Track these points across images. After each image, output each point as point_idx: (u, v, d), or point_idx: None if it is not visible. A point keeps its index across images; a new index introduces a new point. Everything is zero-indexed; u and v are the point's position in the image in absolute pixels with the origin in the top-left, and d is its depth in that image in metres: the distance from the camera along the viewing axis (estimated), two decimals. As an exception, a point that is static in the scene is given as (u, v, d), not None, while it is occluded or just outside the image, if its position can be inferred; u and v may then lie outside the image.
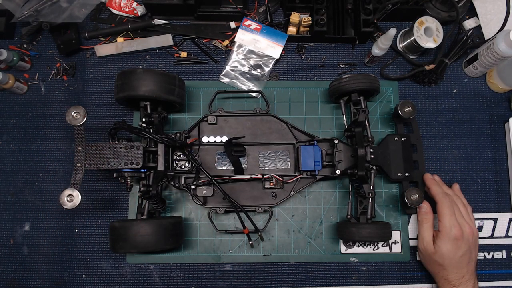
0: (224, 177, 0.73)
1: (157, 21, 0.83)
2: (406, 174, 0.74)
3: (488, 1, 0.85)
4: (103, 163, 0.67)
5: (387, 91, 0.82)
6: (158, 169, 0.69)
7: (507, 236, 0.78)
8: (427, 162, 0.80)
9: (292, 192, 0.75)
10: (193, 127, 0.77)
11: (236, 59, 0.82)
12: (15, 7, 0.77)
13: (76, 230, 0.76)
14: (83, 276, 0.75)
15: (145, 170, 0.70)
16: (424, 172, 0.76)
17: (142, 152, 0.68)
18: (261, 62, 0.82)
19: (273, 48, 0.82)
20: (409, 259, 0.76)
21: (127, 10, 0.83)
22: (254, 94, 0.81)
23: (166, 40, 0.82)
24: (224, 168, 0.76)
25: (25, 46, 0.83)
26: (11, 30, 0.83)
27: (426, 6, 0.83)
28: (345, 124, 0.77)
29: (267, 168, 0.77)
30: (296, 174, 0.76)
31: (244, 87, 0.81)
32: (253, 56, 0.82)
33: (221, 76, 0.82)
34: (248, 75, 0.82)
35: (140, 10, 0.83)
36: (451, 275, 0.67)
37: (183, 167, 0.73)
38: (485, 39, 0.84)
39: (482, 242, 0.78)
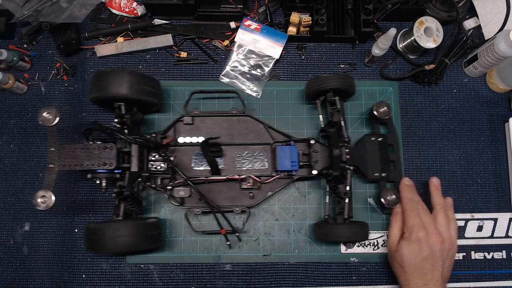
0: (200, 178, 0.73)
1: (157, 21, 0.83)
2: (383, 174, 0.74)
3: (488, 1, 0.85)
4: (76, 164, 0.66)
5: (387, 91, 0.82)
6: (131, 170, 0.69)
7: (507, 236, 0.78)
8: (427, 162, 0.80)
9: (269, 193, 0.75)
10: (169, 128, 0.76)
11: (236, 59, 0.82)
12: (15, 7, 0.77)
13: (76, 230, 0.76)
14: (83, 276, 0.75)
15: (120, 171, 0.70)
16: (401, 172, 0.76)
17: (115, 153, 0.67)
18: (261, 62, 0.82)
19: (273, 48, 0.82)
20: (409, 259, 0.76)
21: (127, 10, 0.83)
22: (254, 94, 0.81)
23: (166, 40, 0.82)
24: (201, 168, 0.76)
25: (25, 46, 0.83)
26: (11, 30, 0.83)
27: (426, 6, 0.83)
28: (322, 124, 0.76)
29: (244, 168, 0.76)
30: (273, 174, 0.75)
31: (244, 87, 0.81)
32: (253, 56, 0.82)
33: (221, 76, 0.82)
34: (248, 75, 0.82)
35: (140, 10, 0.83)
36: (412, 281, 0.64)
37: (158, 167, 0.73)
38: (485, 39, 0.84)
39: (482, 242, 0.78)
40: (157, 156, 0.73)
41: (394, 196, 0.71)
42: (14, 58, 0.78)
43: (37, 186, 0.78)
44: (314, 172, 0.73)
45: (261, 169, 0.76)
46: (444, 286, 0.66)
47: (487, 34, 0.84)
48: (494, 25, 0.84)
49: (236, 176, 0.73)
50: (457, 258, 0.77)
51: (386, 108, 0.74)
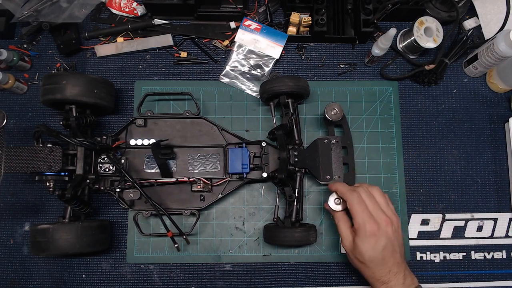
0: (149, 180, 0.73)
1: (157, 21, 0.83)
2: (335, 177, 0.73)
3: (488, 1, 0.85)
4: (22, 167, 0.67)
5: (387, 91, 0.82)
6: (77, 173, 0.69)
7: (507, 236, 0.78)
8: (427, 162, 0.80)
9: (220, 195, 0.74)
10: (122, 130, 0.76)
11: (236, 59, 0.82)
12: (15, 7, 0.77)
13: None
14: (83, 276, 0.75)
15: (66, 173, 0.70)
16: (354, 174, 0.76)
17: (60, 156, 0.68)
18: (261, 62, 0.82)
19: (273, 48, 0.82)
20: (409, 259, 0.76)
21: (127, 10, 0.83)
22: (254, 94, 0.81)
23: (166, 40, 0.82)
24: (153, 171, 0.75)
25: (25, 46, 0.83)
26: (11, 30, 0.83)
27: (426, 6, 0.83)
28: (275, 126, 0.76)
29: (197, 170, 0.75)
30: (225, 176, 0.75)
31: (244, 87, 0.81)
32: (253, 56, 0.82)
33: (221, 76, 0.82)
34: (248, 75, 0.82)
35: (140, 10, 0.83)
36: (376, 273, 0.63)
37: (107, 170, 0.73)
38: (485, 39, 0.84)
39: (482, 242, 0.78)
40: (106, 159, 0.72)
41: (336, 109, 0.70)
42: (14, 58, 0.78)
43: (37, 186, 0.78)
44: (264, 174, 0.73)
45: (214, 171, 0.75)
46: (403, 259, 0.65)
47: (487, 34, 0.84)
48: (494, 25, 0.84)
49: (186, 179, 0.73)
50: (457, 258, 0.77)
51: (336, 110, 0.74)
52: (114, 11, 0.83)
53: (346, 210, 0.70)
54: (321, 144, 0.74)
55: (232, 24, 0.83)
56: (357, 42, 0.84)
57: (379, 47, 0.76)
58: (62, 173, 0.70)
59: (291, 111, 0.74)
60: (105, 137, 0.73)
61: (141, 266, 0.76)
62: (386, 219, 0.63)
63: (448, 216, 0.78)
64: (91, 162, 0.72)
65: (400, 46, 0.84)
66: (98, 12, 0.84)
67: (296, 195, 0.71)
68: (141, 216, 0.75)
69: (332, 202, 0.69)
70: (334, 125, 0.78)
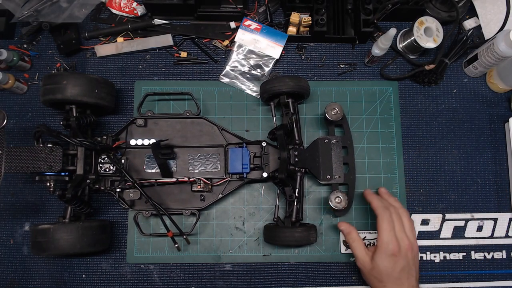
0: (149, 180, 0.73)
1: (157, 21, 0.83)
2: (335, 177, 0.73)
3: (488, 1, 0.85)
4: (22, 167, 0.67)
5: (387, 91, 0.82)
6: (77, 173, 0.69)
7: (507, 236, 0.78)
8: (427, 162, 0.80)
9: (220, 195, 0.74)
10: (122, 130, 0.76)
11: (236, 59, 0.82)
12: (15, 7, 0.77)
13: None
14: (83, 276, 0.75)
15: (67, 173, 0.70)
16: (354, 174, 0.76)
17: (61, 156, 0.68)
18: (261, 62, 0.82)
19: (273, 48, 0.82)
20: (409, 259, 0.76)
21: (127, 10, 0.83)
22: (254, 94, 0.81)
23: (166, 40, 0.82)
24: (153, 171, 0.75)
25: (25, 46, 0.83)
26: (11, 30, 0.83)
27: (426, 6, 0.83)
28: (275, 126, 0.76)
29: (197, 170, 0.75)
30: (225, 176, 0.75)
31: (244, 87, 0.81)
32: (253, 56, 0.82)
33: (221, 76, 0.82)
34: (248, 75, 0.82)
35: (140, 10, 0.83)
36: None
37: (107, 170, 0.73)
38: (485, 39, 0.84)
39: (482, 242, 0.78)
40: (106, 159, 0.72)
41: (341, 199, 0.70)
42: (14, 58, 0.78)
43: (37, 186, 0.78)
44: (265, 174, 0.73)
45: (214, 171, 0.75)
46: (418, 285, 0.66)
47: (487, 34, 0.84)
48: (494, 25, 0.84)
49: (186, 179, 0.73)
50: (457, 258, 0.77)
51: (337, 110, 0.74)
52: (114, 11, 0.83)
53: (345, 210, 0.70)
54: (321, 144, 0.74)
55: (232, 24, 0.83)
56: (357, 42, 0.84)
57: (379, 47, 0.76)
58: (63, 173, 0.70)
59: (292, 111, 0.74)
60: (105, 137, 0.73)
61: (141, 266, 0.76)
62: (408, 243, 0.65)
63: (448, 216, 0.79)
64: (91, 162, 0.72)
65: (400, 46, 0.84)
66: (98, 12, 0.84)
67: (296, 195, 0.71)
68: (141, 216, 0.75)
69: (334, 201, 0.69)
70: (334, 125, 0.78)
